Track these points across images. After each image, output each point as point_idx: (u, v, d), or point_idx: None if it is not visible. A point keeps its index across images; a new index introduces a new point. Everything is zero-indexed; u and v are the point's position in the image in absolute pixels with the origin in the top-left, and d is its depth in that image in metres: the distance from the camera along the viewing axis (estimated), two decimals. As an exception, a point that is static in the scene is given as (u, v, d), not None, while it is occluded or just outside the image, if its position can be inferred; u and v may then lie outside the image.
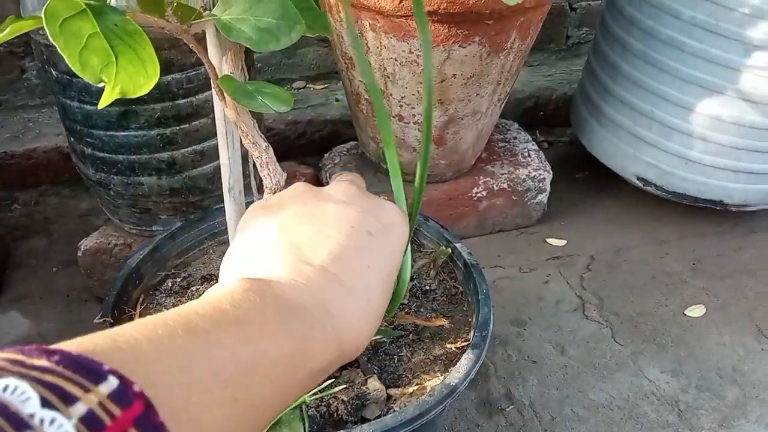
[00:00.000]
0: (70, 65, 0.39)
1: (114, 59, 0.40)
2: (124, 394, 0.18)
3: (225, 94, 0.54)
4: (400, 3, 0.89)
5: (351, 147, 1.29)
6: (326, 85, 1.57)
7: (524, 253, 1.24)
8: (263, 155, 0.57)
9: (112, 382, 0.18)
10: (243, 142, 0.57)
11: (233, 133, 0.64)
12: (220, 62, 0.56)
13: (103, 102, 0.40)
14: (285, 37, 0.48)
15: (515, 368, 1.00)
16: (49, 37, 0.38)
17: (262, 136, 0.57)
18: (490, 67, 0.99)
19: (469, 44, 0.94)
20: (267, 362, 0.26)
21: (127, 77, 0.41)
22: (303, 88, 1.58)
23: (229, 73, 0.55)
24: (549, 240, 1.27)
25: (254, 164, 0.62)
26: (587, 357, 1.02)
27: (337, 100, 1.50)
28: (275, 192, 0.59)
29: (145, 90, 0.42)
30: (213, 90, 0.58)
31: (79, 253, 1.04)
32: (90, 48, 0.40)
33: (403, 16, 0.91)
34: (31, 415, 0.16)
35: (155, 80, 0.43)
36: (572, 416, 0.93)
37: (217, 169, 1.02)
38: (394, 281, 0.37)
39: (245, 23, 0.49)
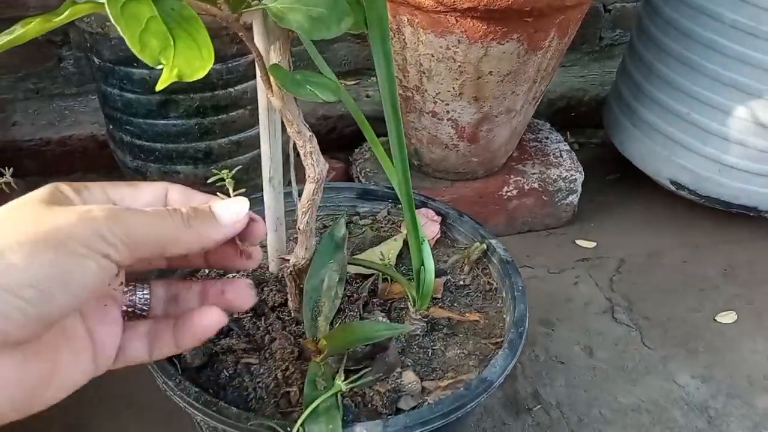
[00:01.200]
0: (130, 47, 0.40)
1: (172, 42, 0.41)
2: None
3: (272, 83, 0.54)
4: (439, -2, 0.89)
5: (382, 143, 1.29)
6: (357, 81, 1.58)
7: (553, 254, 1.23)
8: (307, 145, 0.57)
9: None
10: (288, 131, 0.57)
11: (275, 122, 0.65)
12: (267, 52, 0.56)
13: (162, 83, 0.41)
14: (335, 26, 0.49)
15: (543, 368, 0.99)
16: (111, 18, 0.39)
17: (306, 125, 0.57)
18: (527, 65, 0.99)
19: (508, 41, 0.94)
20: None
21: (184, 60, 0.42)
22: (334, 83, 1.59)
23: (277, 63, 0.55)
24: (578, 241, 1.26)
25: (293, 155, 0.63)
26: (616, 360, 1.01)
27: (368, 96, 1.51)
28: (318, 182, 0.59)
29: (201, 73, 0.43)
30: (259, 79, 0.58)
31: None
32: (149, 31, 0.40)
33: (442, 12, 0.91)
34: None
35: (210, 64, 0.44)
36: (600, 418, 0.92)
37: (253, 159, 1.03)
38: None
39: (298, 12, 0.49)
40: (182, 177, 0.96)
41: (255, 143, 1.01)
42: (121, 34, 0.39)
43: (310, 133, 0.57)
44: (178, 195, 0.43)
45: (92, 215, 0.34)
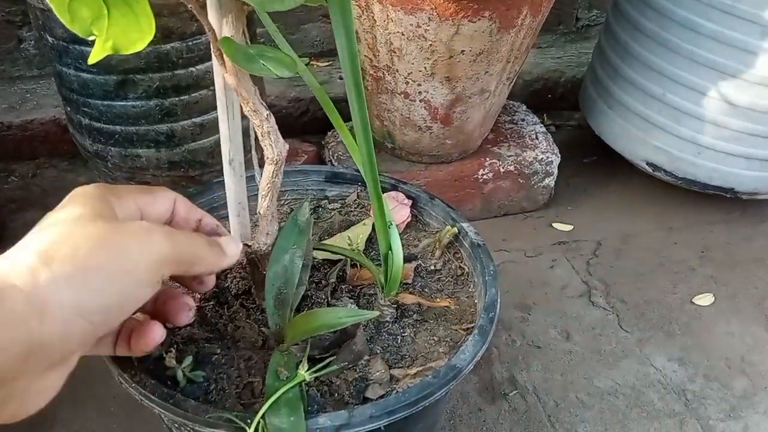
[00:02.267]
0: (58, 16, 0.36)
1: (106, 12, 0.38)
2: None
3: (225, 58, 0.51)
4: (409, -26, 0.86)
5: (351, 126, 1.26)
6: (330, 63, 1.54)
7: (530, 238, 1.22)
8: (264, 124, 0.54)
9: None
10: (243, 109, 0.54)
11: (234, 102, 0.61)
12: (220, 25, 0.53)
13: (93, 57, 0.38)
14: (291, -3, 0.46)
15: (519, 353, 0.98)
16: (36, -18, 0.35)
17: (264, 104, 0.54)
18: (499, 43, 0.96)
19: (479, 19, 0.91)
20: None
21: (119, 31, 0.39)
22: (307, 65, 1.55)
23: (223, 37, 0.52)
24: (555, 225, 1.25)
25: (253, 136, 0.60)
26: (593, 343, 1.00)
27: (340, 78, 1.47)
28: (277, 164, 0.56)
29: (139, 46, 0.40)
30: (213, 55, 0.55)
31: (75, 227, 1.02)
32: (80, -1, 0.37)
33: (412, -12, 0.88)
34: None
35: (150, 36, 0.41)
36: (576, 403, 0.91)
37: (218, 143, 0.99)
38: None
39: (248, -18, 0.46)
40: (144, 161, 0.92)
41: (218, 125, 0.97)
42: (48, 3, 0.36)
43: (268, 112, 0.54)
44: (183, 208, 0.49)
45: (154, 239, 0.38)
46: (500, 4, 0.90)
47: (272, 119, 0.55)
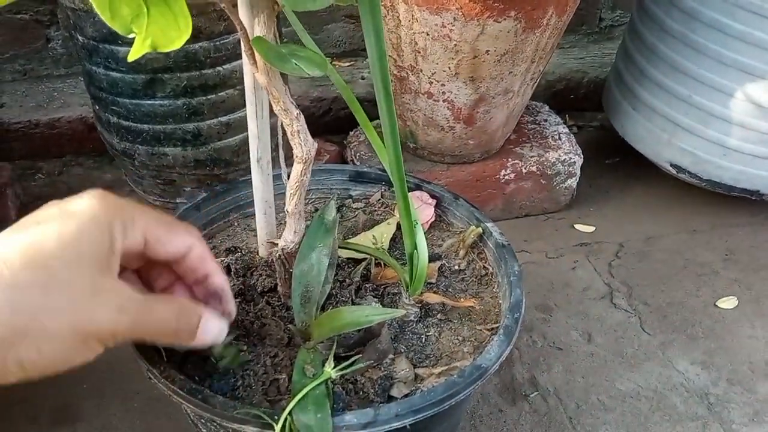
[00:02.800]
0: (99, 14, 0.37)
1: (145, 10, 0.39)
2: None
3: (257, 58, 0.52)
4: (435, -26, 0.86)
5: (376, 125, 1.26)
6: (352, 63, 1.55)
7: (551, 239, 1.21)
8: (294, 123, 0.55)
9: None
10: (274, 108, 0.55)
11: (263, 101, 0.62)
12: (252, 25, 0.54)
13: (134, 54, 0.39)
14: (321, -3, 0.46)
15: (540, 354, 0.97)
16: (79, -16, 0.36)
17: (294, 103, 0.55)
18: (524, 44, 0.96)
19: (505, 19, 0.91)
20: None
21: (158, 29, 0.39)
22: (330, 65, 1.56)
23: (255, 36, 0.53)
24: (577, 226, 1.24)
25: (283, 136, 0.60)
26: (615, 346, 1.00)
27: (363, 78, 1.48)
28: (306, 162, 0.57)
29: (177, 44, 0.40)
30: (244, 54, 0.55)
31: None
32: (121, -2, 0.38)
33: (438, -11, 0.88)
34: None
35: (188, 35, 0.41)
36: (598, 405, 0.90)
37: (243, 141, 1.00)
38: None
39: (281, -18, 0.46)
40: (170, 159, 0.94)
41: (245, 124, 0.98)
42: (90, 1, 0.37)
43: (297, 111, 0.55)
44: (197, 256, 0.46)
45: (121, 320, 0.37)
46: (526, 4, 0.90)
47: (302, 118, 0.56)
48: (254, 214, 0.77)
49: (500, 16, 0.90)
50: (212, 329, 0.45)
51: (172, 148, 0.92)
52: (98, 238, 0.37)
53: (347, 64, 1.55)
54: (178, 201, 1.00)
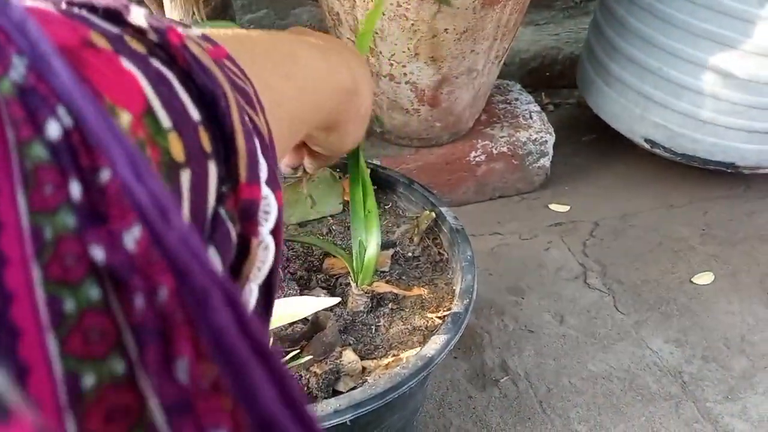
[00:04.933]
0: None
1: None
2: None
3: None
4: (385, -49, 0.83)
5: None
6: (322, 47, 1.52)
7: (525, 220, 1.19)
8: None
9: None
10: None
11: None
12: (171, 6, 0.51)
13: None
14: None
15: (511, 338, 0.96)
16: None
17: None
18: (484, 20, 0.93)
19: (462, -4, 0.88)
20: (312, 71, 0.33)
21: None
22: (298, 50, 1.53)
23: (179, 20, 0.50)
24: (551, 206, 1.22)
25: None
26: (587, 326, 0.98)
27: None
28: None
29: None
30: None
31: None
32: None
33: (390, -34, 0.85)
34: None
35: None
36: (569, 387, 0.89)
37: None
38: None
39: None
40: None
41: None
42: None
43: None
44: None
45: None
46: (482, -21, 0.87)
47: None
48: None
49: (456, -7, 0.88)
50: None
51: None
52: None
53: (317, 49, 1.52)
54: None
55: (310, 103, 0.33)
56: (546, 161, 1.22)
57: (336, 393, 0.55)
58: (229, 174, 0.19)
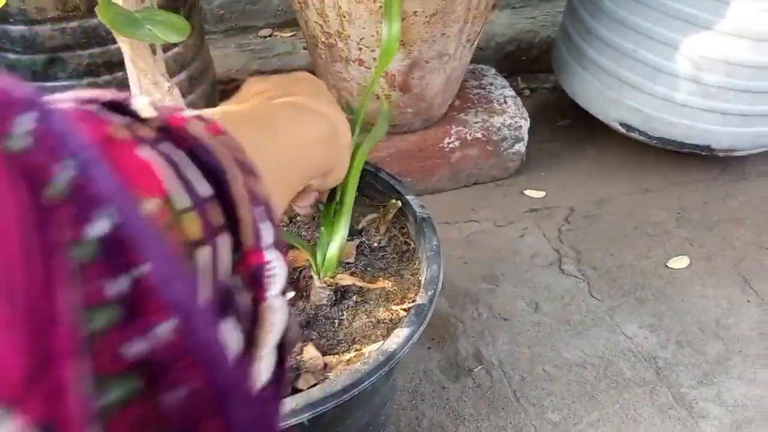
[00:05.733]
0: None
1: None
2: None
3: (118, 27, 0.47)
4: (349, -69, 0.80)
5: (316, 97, 1.22)
6: (293, 33, 1.48)
7: (500, 206, 1.17)
8: (166, 98, 0.50)
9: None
10: (141, 81, 0.50)
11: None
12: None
13: None
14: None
15: (485, 327, 0.94)
16: None
17: (165, 75, 0.50)
18: (454, 3, 0.91)
19: (430, -23, 0.86)
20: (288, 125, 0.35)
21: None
22: (270, 36, 1.49)
23: (120, 1, 0.47)
24: (527, 192, 1.21)
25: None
26: (562, 313, 0.97)
27: (304, 48, 1.42)
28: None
29: None
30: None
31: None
32: None
33: (355, -53, 0.83)
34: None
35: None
36: (543, 376, 0.88)
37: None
38: None
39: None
40: (83, 144, 0.88)
41: (162, 103, 0.92)
42: None
43: (170, 84, 0.50)
44: None
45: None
46: (450, -40, 0.85)
47: (176, 91, 0.51)
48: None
49: (424, -26, 0.85)
50: None
51: (83, 132, 0.87)
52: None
53: (288, 34, 1.49)
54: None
55: (298, 159, 0.35)
56: (521, 147, 1.20)
57: (296, 391, 0.53)
58: (236, 243, 0.21)
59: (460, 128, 1.15)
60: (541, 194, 1.20)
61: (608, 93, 1.19)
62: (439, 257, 0.61)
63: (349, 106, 1.10)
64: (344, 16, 0.93)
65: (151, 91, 0.50)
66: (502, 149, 1.19)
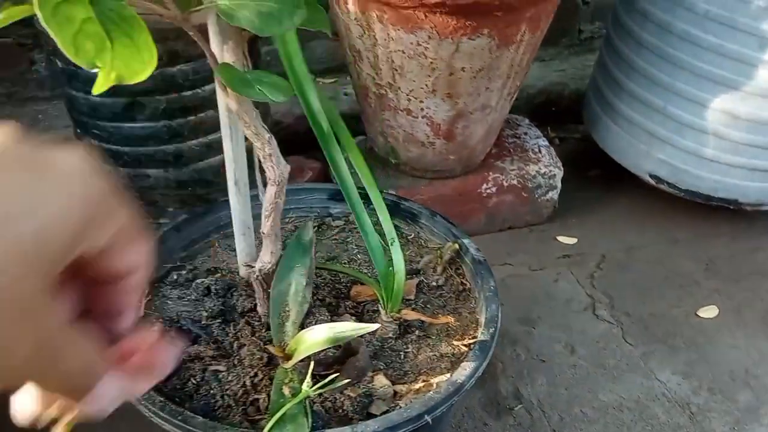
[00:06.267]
0: (62, 50, 0.38)
1: (109, 44, 0.39)
2: None
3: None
4: (409, -6, 0.87)
5: (359, 141, 1.28)
6: (336, 79, 1.56)
7: (534, 251, 1.22)
8: (266, 147, 0.56)
9: None
10: (245, 133, 0.56)
11: (237, 124, 0.63)
12: (221, 51, 0.55)
13: (97, 88, 0.39)
14: (287, 21, 0.48)
15: (524, 367, 0.98)
16: (41, 21, 0.37)
17: (265, 127, 0.56)
18: (499, 60, 0.98)
19: (478, 36, 0.93)
20: None
21: (122, 63, 0.40)
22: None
23: (231, 63, 0.54)
24: (559, 238, 1.25)
25: (257, 158, 0.61)
26: (597, 357, 1.00)
27: (346, 94, 1.49)
28: (279, 185, 0.58)
29: (142, 76, 0.41)
30: (216, 80, 0.56)
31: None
32: (84, 33, 0.38)
33: (410, 8, 0.90)
34: None
35: (152, 67, 0.42)
36: (581, 417, 0.91)
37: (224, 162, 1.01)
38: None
39: (247, 8, 0.48)
40: (152, 180, 0.94)
41: (226, 145, 0.98)
42: (53, 36, 0.38)
43: (269, 135, 0.56)
44: (134, 284, 0.30)
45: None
46: (499, 21, 0.91)
47: (273, 142, 0.56)
48: (234, 235, 0.78)
49: (474, 34, 0.92)
50: (105, 396, 0.29)
51: (153, 170, 0.93)
52: (68, 226, 0.24)
53: (331, 80, 1.56)
54: (161, 221, 1.01)
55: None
56: (554, 194, 1.26)
57: (370, 416, 0.58)
58: None
59: (497, 175, 1.20)
60: (573, 240, 1.25)
61: (638, 146, 1.25)
62: (497, 297, 0.66)
63: (394, 151, 1.16)
64: (396, 70, 1.00)
65: (253, 140, 0.55)
66: (536, 196, 1.24)
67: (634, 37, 1.20)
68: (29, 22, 0.51)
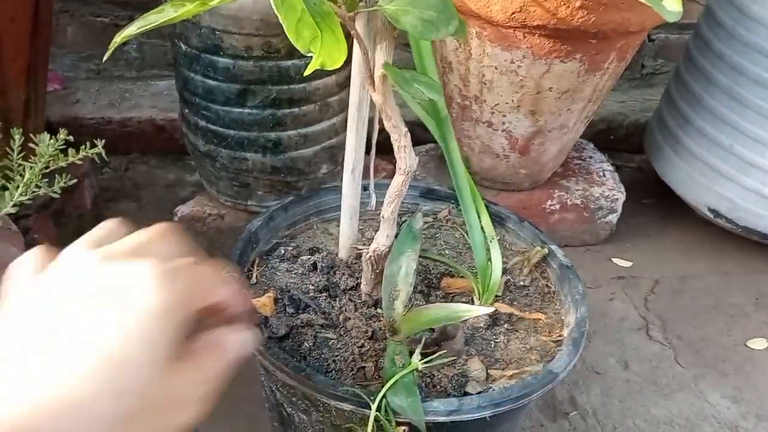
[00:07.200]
0: (288, 34, 0.44)
1: (320, 34, 0.46)
2: None
3: (375, 80, 0.59)
4: (511, 15, 0.93)
5: (430, 148, 1.34)
6: (406, 88, 1.62)
7: (590, 270, 1.27)
8: (402, 139, 0.62)
9: None
10: (386, 125, 0.62)
11: (364, 118, 0.69)
12: (373, 51, 0.61)
13: (310, 69, 0.45)
14: (444, 28, 0.53)
15: (579, 377, 1.03)
16: (273, 6, 0.43)
17: (403, 121, 0.62)
18: (585, 84, 1.03)
19: (570, 60, 0.98)
20: None
21: (327, 51, 0.46)
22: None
23: (385, 62, 0.60)
24: (615, 260, 1.30)
25: (374, 150, 0.68)
26: (650, 374, 1.05)
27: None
28: (407, 174, 0.64)
29: (338, 64, 0.47)
30: (355, 76, 0.63)
31: (175, 218, 1.10)
32: (303, 21, 0.45)
33: (511, 27, 0.96)
34: None
35: (344, 56, 0.48)
36: (634, 428, 0.95)
37: (316, 153, 1.07)
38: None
39: (410, 14, 0.54)
40: (249, 164, 1.01)
41: (320, 138, 1.05)
42: (281, 21, 0.44)
43: (406, 129, 0.62)
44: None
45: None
46: (591, 48, 0.97)
47: (409, 136, 0.62)
48: (333, 219, 0.84)
49: (566, 57, 0.98)
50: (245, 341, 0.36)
51: (252, 154, 1.00)
52: (168, 343, 0.30)
53: (400, 89, 1.62)
54: (248, 203, 1.07)
55: None
56: (614, 218, 1.30)
57: (465, 394, 0.63)
58: None
59: (562, 193, 1.25)
60: (628, 264, 1.29)
61: (700, 179, 1.29)
62: (585, 300, 0.71)
63: (467, 160, 1.22)
64: (485, 84, 1.06)
65: (391, 132, 0.61)
66: (597, 217, 1.29)
67: (706, 76, 1.25)
68: (128, 4, 0.57)
